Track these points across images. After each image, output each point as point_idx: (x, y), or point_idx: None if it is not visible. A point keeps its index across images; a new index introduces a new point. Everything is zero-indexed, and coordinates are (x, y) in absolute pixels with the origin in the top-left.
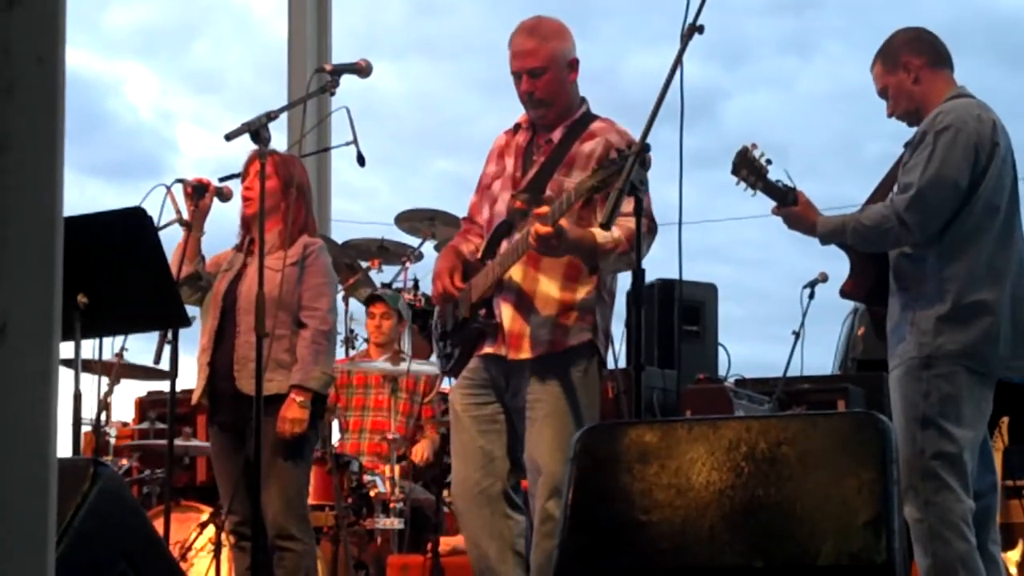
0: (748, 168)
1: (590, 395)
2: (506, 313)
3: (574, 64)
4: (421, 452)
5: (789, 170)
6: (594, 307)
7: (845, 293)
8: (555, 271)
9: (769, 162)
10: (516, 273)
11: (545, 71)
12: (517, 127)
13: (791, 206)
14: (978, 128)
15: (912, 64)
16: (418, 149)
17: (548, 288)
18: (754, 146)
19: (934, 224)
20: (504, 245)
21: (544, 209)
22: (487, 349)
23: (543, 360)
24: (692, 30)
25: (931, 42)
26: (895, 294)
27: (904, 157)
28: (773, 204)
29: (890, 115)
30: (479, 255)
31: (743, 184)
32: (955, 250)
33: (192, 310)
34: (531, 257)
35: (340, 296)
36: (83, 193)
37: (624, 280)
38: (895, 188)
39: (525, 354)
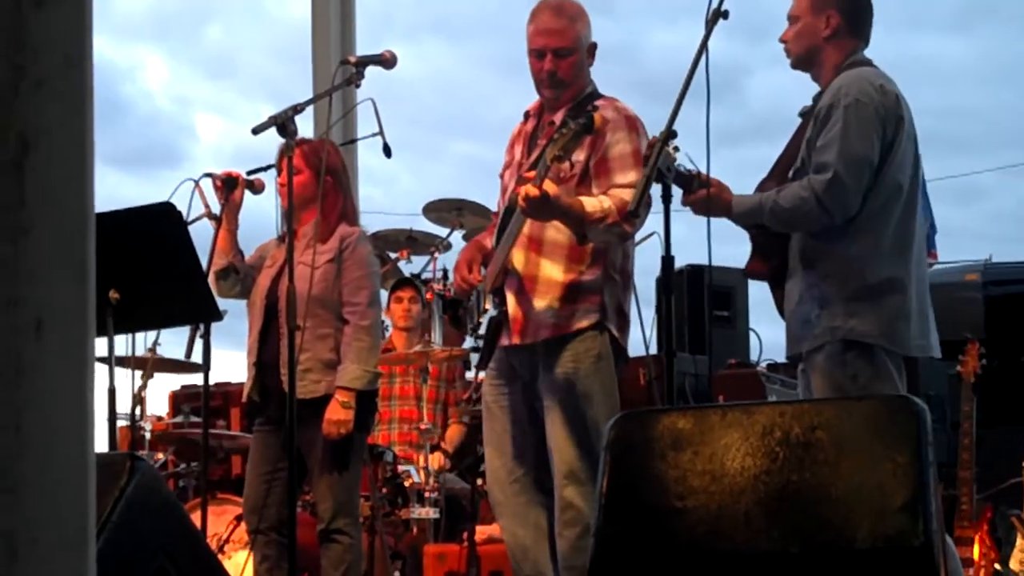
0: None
1: (604, 377)
2: (510, 300)
3: (592, 49)
4: (452, 438)
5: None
6: (600, 287)
7: (749, 272)
8: (558, 254)
9: (676, 149)
10: (519, 259)
11: (571, 52)
12: (527, 115)
13: (698, 191)
14: (883, 101)
15: (833, 20)
16: (438, 133)
17: (551, 271)
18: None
19: (853, 205)
20: None
21: (531, 173)
22: (504, 341)
23: (550, 344)
24: (716, 15)
25: (861, 13)
26: (798, 272)
27: (807, 129)
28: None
29: (782, 41)
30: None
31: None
32: (862, 228)
33: (232, 304)
34: (532, 242)
35: None
36: (103, 183)
37: (654, 266)
38: (798, 161)
39: (530, 339)
